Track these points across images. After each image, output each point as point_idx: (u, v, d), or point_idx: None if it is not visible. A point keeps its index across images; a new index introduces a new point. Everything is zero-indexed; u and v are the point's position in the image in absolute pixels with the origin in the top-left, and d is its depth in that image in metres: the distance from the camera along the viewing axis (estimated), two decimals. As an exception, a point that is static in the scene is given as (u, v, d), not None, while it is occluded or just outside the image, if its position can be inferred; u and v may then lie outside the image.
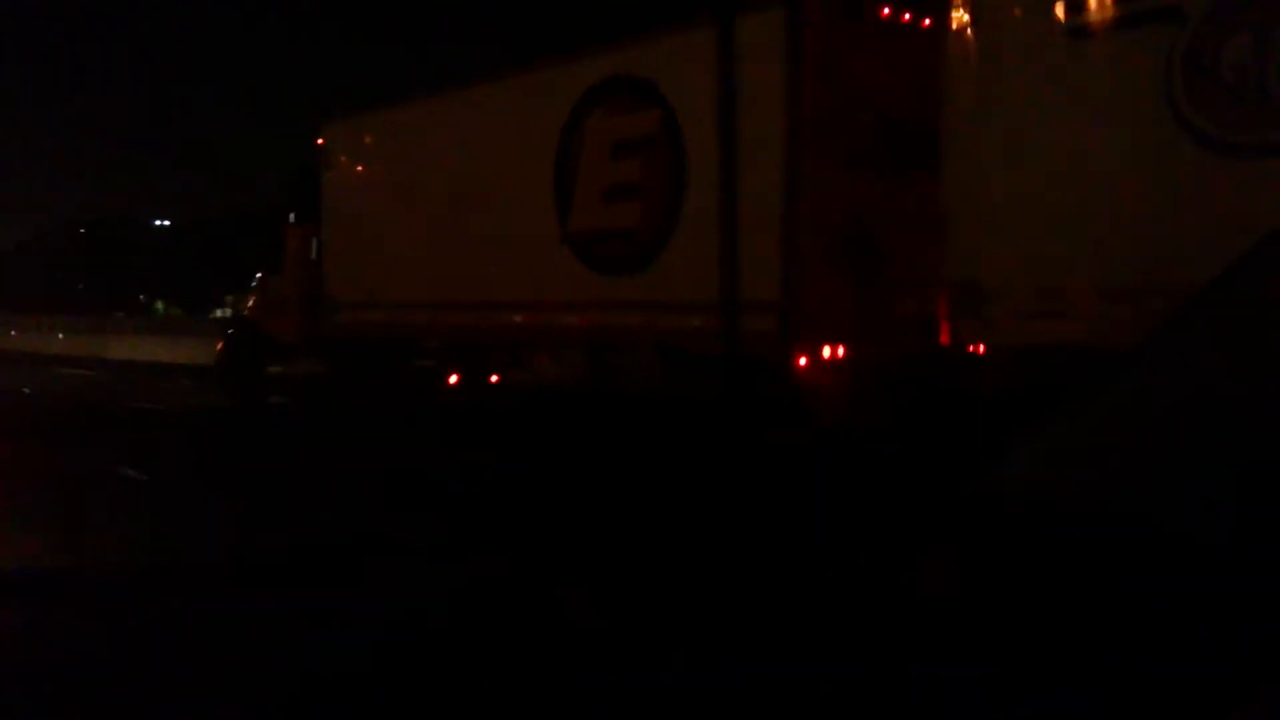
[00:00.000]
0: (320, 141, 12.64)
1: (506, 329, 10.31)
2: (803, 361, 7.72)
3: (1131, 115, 5.91)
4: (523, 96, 10.03)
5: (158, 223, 62.31)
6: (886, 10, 7.93)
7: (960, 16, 6.71)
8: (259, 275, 15.30)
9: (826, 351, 7.63)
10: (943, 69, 6.92)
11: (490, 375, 11.39)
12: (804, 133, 7.57)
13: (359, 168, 12.05)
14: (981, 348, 7.10)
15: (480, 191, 10.42)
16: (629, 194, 8.95)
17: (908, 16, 8.02)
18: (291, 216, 14.01)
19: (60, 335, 28.74)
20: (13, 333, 31.00)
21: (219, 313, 33.12)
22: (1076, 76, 6.07)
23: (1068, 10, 6.10)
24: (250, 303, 15.18)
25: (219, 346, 15.75)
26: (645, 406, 9.38)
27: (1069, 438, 1.78)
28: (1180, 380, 1.69)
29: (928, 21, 8.07)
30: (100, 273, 52.65)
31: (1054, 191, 6.23)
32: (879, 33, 7.93)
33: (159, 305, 54.64)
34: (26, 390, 18.44)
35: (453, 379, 11.66)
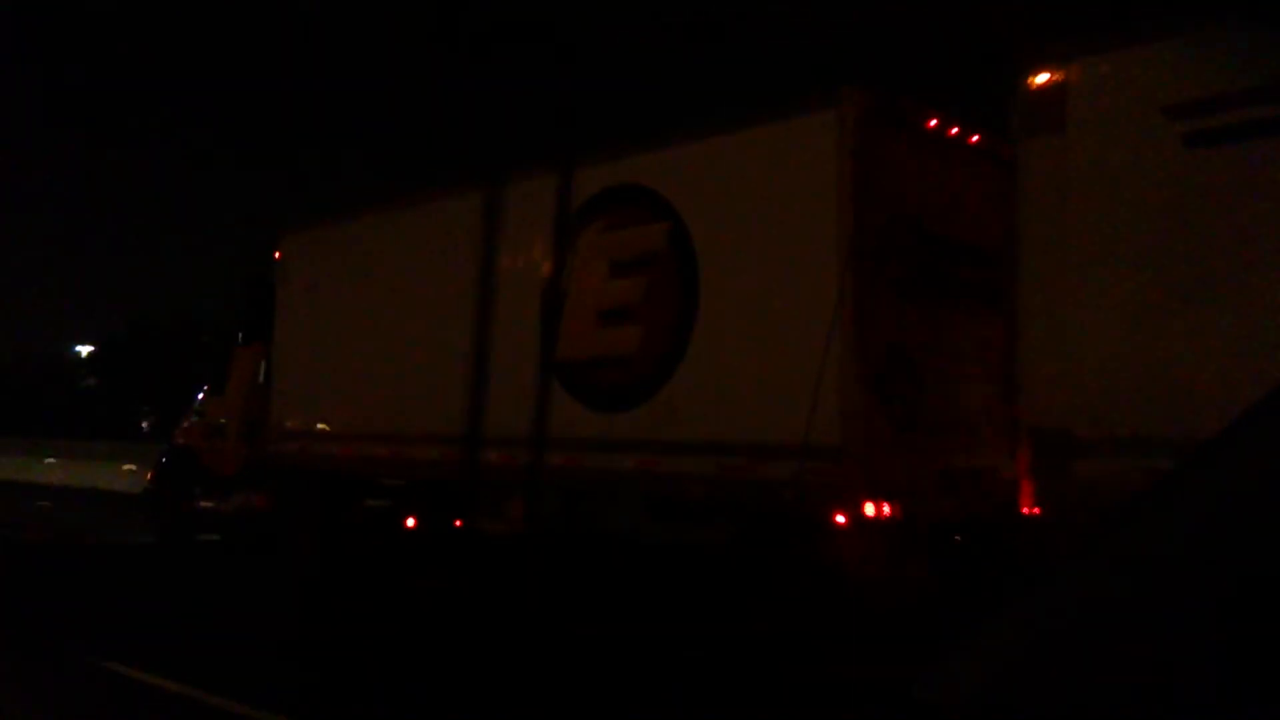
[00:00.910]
0: (278, 255, 11.48)
1: (476, 467, 8.98)
2: (841, 519, 6.49)
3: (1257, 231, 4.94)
4: (506, 209, 8.99)
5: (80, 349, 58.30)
6: (933, 122, 7.06)
7: (1045, 141, 5.75)
8: (199, 397, 13.91)
9: (870, 509, 6.42)
10: (1016, 193, 5.94)
11: (453, 519, 10.03)
12: (848, 250, 6.54)
13: (316, 283, 10.86)
14: (1038, 510, 5.95)
15: (454, 313, 9.26)
16: (628, 317, 7.84)
17: (955, 131, 7.16)
18: (240, 335, 12.78)
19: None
20: None
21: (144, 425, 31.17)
22: (1195, 192, 5.11)
23: (1184, 117, 5.16)
24: (187, 426, 13.72)
25: (149, 475, 14.20)
26: (634, 558, 8.07)
27: (996, 642, 1.58)
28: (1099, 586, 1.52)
29: (975, 138, 7.23)
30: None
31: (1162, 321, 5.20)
32: (925, 146, 7.05)
33: None
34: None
35: (410, 521, 10.26)
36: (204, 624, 8.21)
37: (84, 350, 56.39)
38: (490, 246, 8.97)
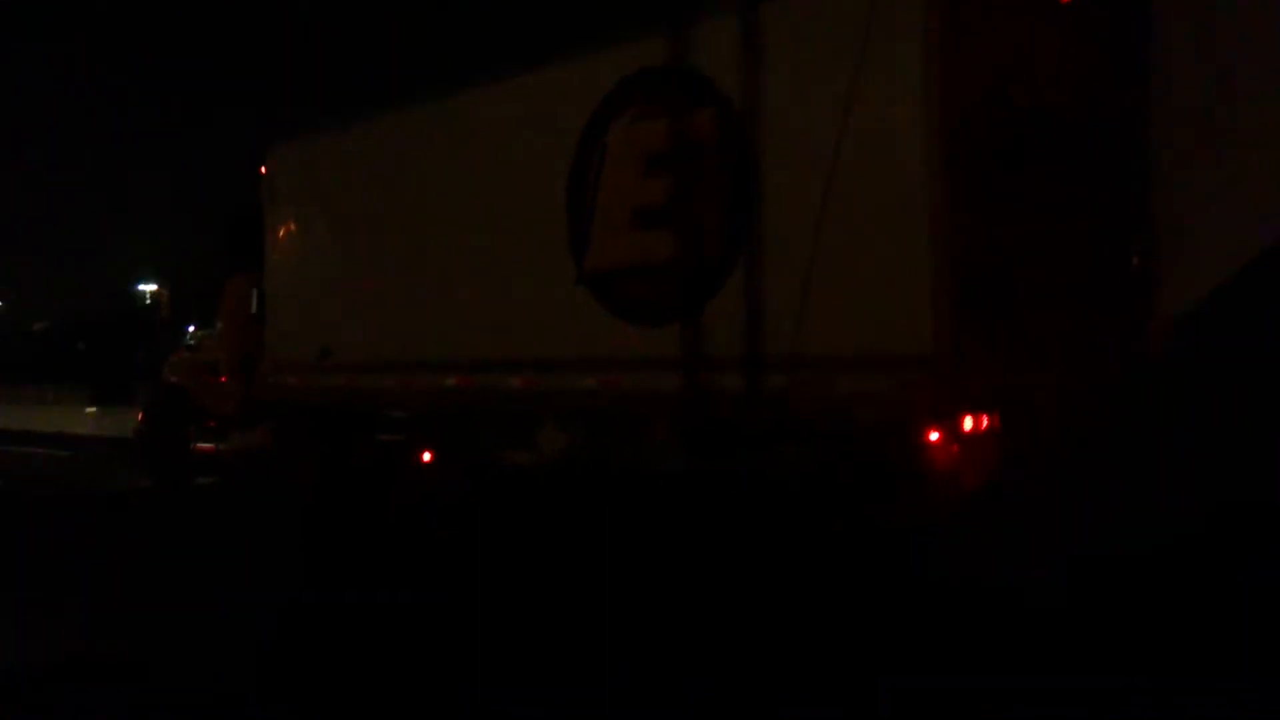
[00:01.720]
0: (264, 169, 10.44)
1: (499, 394, 8.10)
2: (934, 435, 5.64)
3: None
4: (523, 102, 7.96)
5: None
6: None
7: None
8: (189, 331, 12.99)
9: (969, 422, 5.57)
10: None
11: (471, 451, 9.18)
12: (938, 126, 5.58)
13: (313, 199, 9.85)
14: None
15: (467, 224, 8.29)
16: (668, 218, 6.89)
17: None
18: (227, 263, 11.80)
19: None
20: None
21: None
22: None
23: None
24: (177, 365, 12.80)
25: (139, 416, 13.34)
26: (683, 490, 7.23)
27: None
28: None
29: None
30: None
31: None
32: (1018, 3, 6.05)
33: None
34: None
35: (425, 456, 9.41)
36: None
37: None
38: (506, 146, 7.97)
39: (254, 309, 11.19)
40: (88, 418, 22.43)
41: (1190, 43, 5.47)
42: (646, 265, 7.02)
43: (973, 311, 5.60)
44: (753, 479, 6.71)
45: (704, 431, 7.18)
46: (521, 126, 7.89)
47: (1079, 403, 5.78)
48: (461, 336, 8.31)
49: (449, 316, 8.39)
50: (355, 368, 9.41)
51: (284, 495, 10.24)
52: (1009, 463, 5.61)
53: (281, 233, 10.22)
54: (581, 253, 7.45)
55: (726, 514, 6.90)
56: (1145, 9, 6.34)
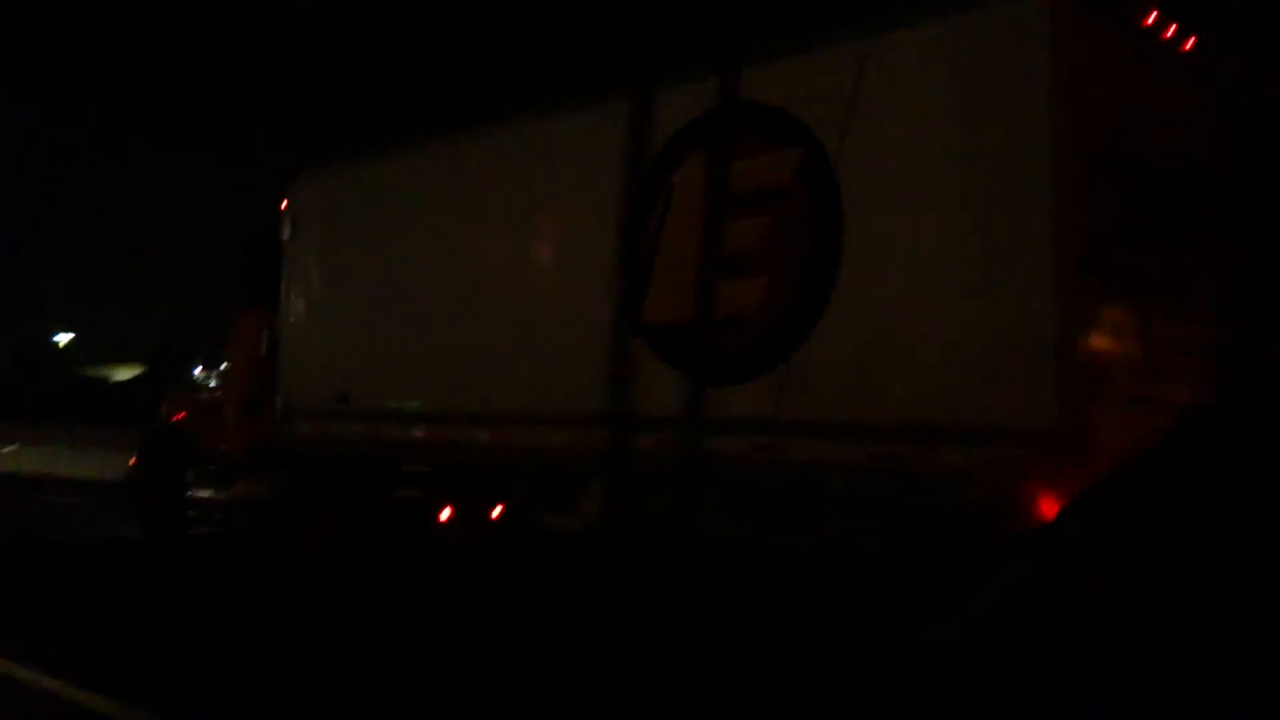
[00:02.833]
0: (285, 204, 9.86)
1: (538, 451, 7.46)
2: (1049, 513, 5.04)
3: None
4: (576, 139, 7.44)
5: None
6: (1150, 19, 5.57)
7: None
8: (193, 372, 12.31)
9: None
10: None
11: (496, 510, 8.53)
12: (1060, 175, 5.06)
13: (336, 235, 9.27)
14: None
15: (507, 267, 7.73)
16: (744, 268, 6.33)
17: (1171, 32, 5.68)
18: (239, 300, 11.18)
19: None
20: None
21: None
22: None
23: None
24: (177, 406, 12.10)
25: (132, 460, 12.58)
26: (746, 565, 6.58)
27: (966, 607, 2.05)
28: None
29: (1190, 43, 5.75)
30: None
31: None
32: (1139, 48, 5.57)
33: None
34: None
35: (444, 514, 8.74)
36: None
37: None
38: (555, 186, 7.43)
39: (264, 349, 10.58)
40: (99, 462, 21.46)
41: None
42: (716, 318, 6.44)
43: (1103, 375, 5.04)
44: (824, 555, 6.07)
45: (769, 502, 6.55)
46: (572, 165, 7.35)
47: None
48: (497, 387, 7.69)
49: (484, 366, 7.78)
50: (377, 416, 8.77)
51: (290, 550, 9.52)
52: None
53: (301, 269, 9.61)
54: (638, 303, 6.88)
55: (788, 592, 6.28)
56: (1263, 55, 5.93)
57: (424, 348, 8.26)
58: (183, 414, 11.82)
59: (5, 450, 22.50)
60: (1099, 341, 5.07)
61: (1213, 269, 5.67)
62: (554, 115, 7.66)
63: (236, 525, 10.98)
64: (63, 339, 45.22)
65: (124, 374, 36.72)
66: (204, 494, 11.37)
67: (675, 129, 6.74)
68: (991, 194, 5.30)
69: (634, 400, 6.86)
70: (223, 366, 11.26)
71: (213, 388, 11.41)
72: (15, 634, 6.71)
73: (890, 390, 5.65)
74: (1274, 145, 5.75)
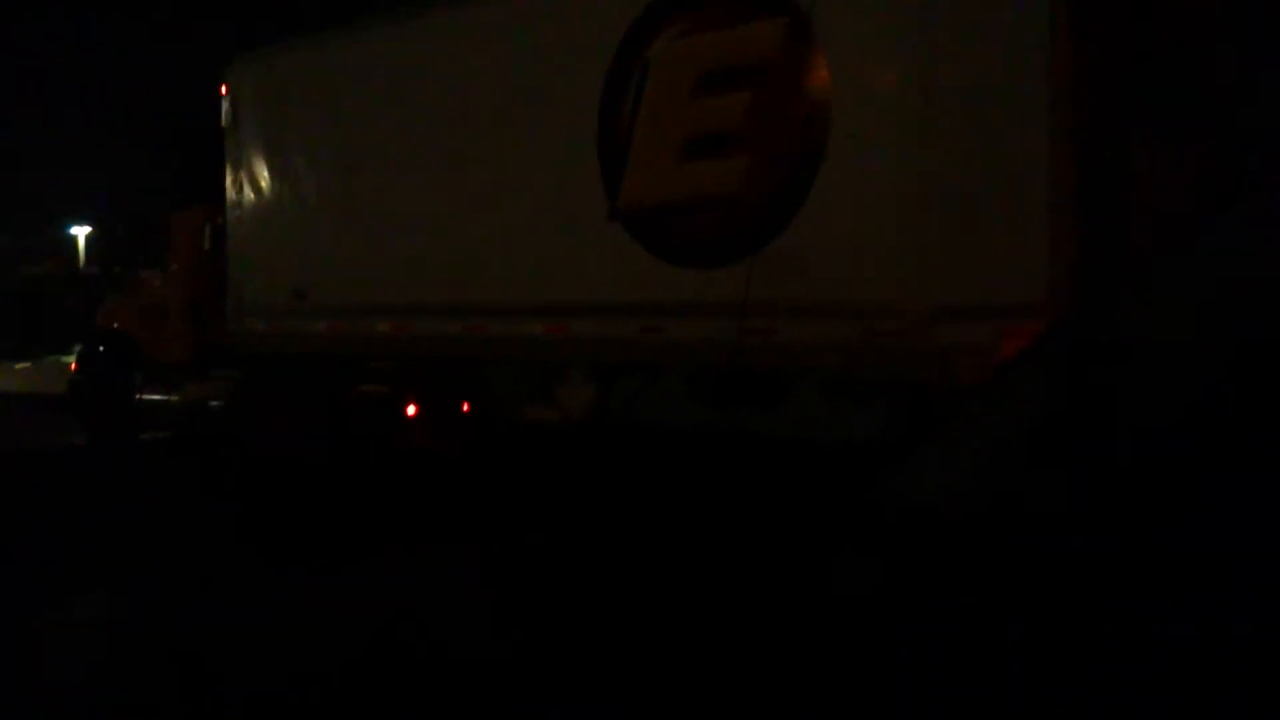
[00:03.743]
0: (224, 89, 9.30)
1: (515, 342, 7.30)
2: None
3: None
4: (547, 12, 7.07)
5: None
6: None
7: None
8: (128, 271, 11.77)
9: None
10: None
11: (464, 404, 8.39)
12: (1064, 33, 4.92)
13: (284, 121, 8.78)
14: None
15: (478, 150, 7.39)
16: (725, 146, 6.13)
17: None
18: (177, 194, 10.66)
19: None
20: None
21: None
22: None
23: None
24: (116, 309, 11.61)
25: (72, 366, 12.12)
26: (734, 452, 6.58)
27: (940, 451, 2.19)
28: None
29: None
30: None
31: None
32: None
33: None
34: None
35: (411, 409, 8.58)
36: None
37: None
38: (527, 62, 7.08)
39: (207, 245, 10.14)
40: (17, 374, 20.62)
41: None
42: (697, 200, 6.26)
43: (1097, 250, 5.01)
44: (815, 440, 6.07)
45: (752, 388, 6.51)
46: (542, 42, 6.99)
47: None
48: (470, 277, 7.46)
49: (455, 254, 7.51)
50: (337, 312, 8.48)
51: (248, 452, 9.29)
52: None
53: (246, 159, 9.12)
54: (616, 186, 6.65)
55: (780, 479, 6.29)
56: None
57: (388, 238, 7.94)
58: (123, 316, 11.36)
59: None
60: (1089, 215, 5.01)
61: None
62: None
63: (188, 429, 10.68)
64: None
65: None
66: (152, 398, 11.04)
67: (649, 1, 6.42)
68: (982, 57, 5.16)
69: (613, 287, 6.69)
70: (164, 267, 10.79)
71: (153, 289, 10.94)
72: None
73: (882, 269, 5.58)
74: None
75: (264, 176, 8.93)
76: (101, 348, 11.51)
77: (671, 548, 6.06)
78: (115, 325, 11.34)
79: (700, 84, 6.20)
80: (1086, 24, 4.95)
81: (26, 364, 22.14)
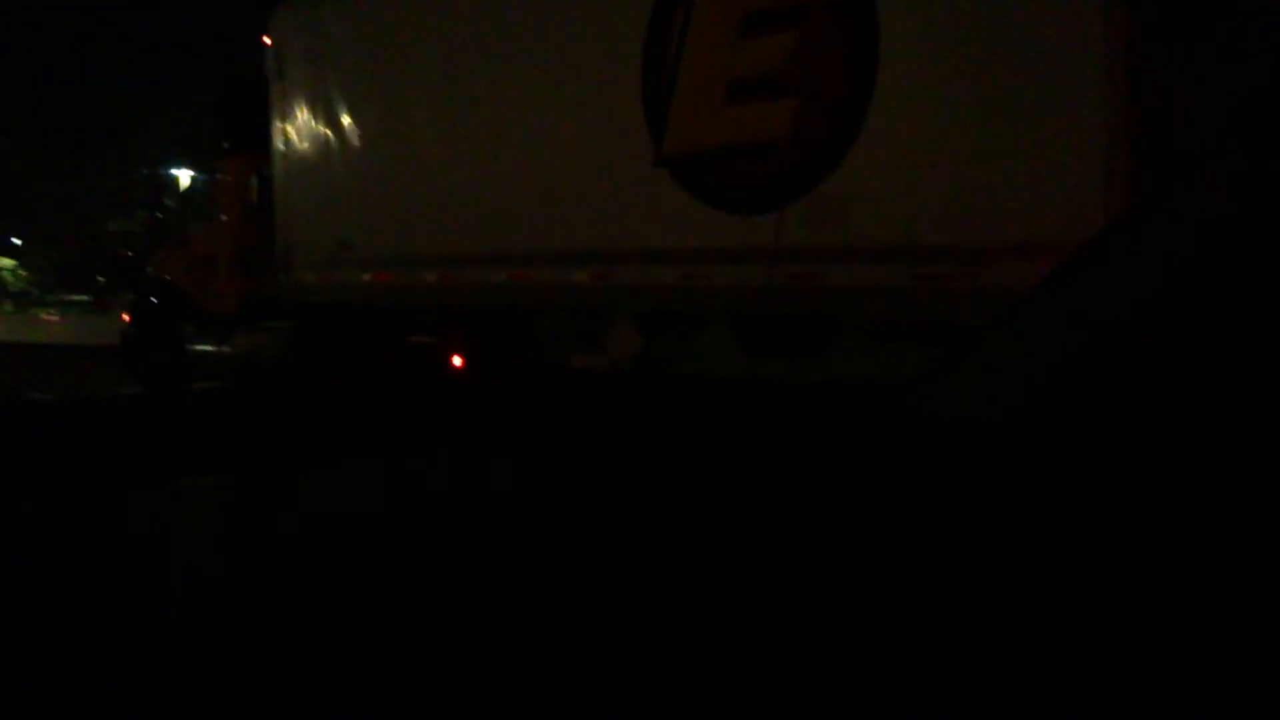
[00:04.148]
0: (268, 40, 9.34)
1: (559, 290, 7.32)
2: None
3: None
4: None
5: None
6: None
7: None
8: (177, 223, 11.95)
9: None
10: None
11: (513, 354, 8.45)
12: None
13: (330, 67, 8.80)
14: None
15: (522, 96, 7.37)
16: (771, 90, 6.05)
17: None
18: (223, 145, 10.75)
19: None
20: None
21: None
22: None
23: None
24: (166, 260, 11.80)
25: (125, 317, 12.36)
26: (779, 398, 6.58)
27: (987, 359, 1.77)
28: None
29: None
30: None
31: None
32: None
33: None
34: None
35: (457, 359, 8.66)
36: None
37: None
38: (568, 7, 7.03)
39: (254, 198, 10.23)
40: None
41: None
42: (743, 143, 6.19)
43: (1141, 191, 4.91)
44: (871, 385, 6.05)
45: (803, 332, 6.50)
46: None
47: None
48: (513, 225, 7.47)
49: (499, 202, 7.53)
50: (383, 262, 8.56)
51: (301, 401, 9.45)
52: None
53: (291, 110, 9.18)
54: (660, 130, 6.61)
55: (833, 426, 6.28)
56: None
57: (433, 188, 7.97)
58: (172, 268, 11.55)
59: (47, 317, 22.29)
60: (1148, 149, 4.91)
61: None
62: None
63: (239, 378, 10.87)
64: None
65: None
66: (203, 348, 11.23)
67: (693, -59, 6.32)
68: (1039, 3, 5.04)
69: (658, 233, 6.68)
70: (211, 218, 10.93)
71: (201, 241, 11.09)
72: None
73: (932, 212, 5.50)
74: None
75: (309, 127, 8.98)
76: (152, 299, 11.71)
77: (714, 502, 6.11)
78: (165, 276, 11.53)
79: (745, 25, 6.11)
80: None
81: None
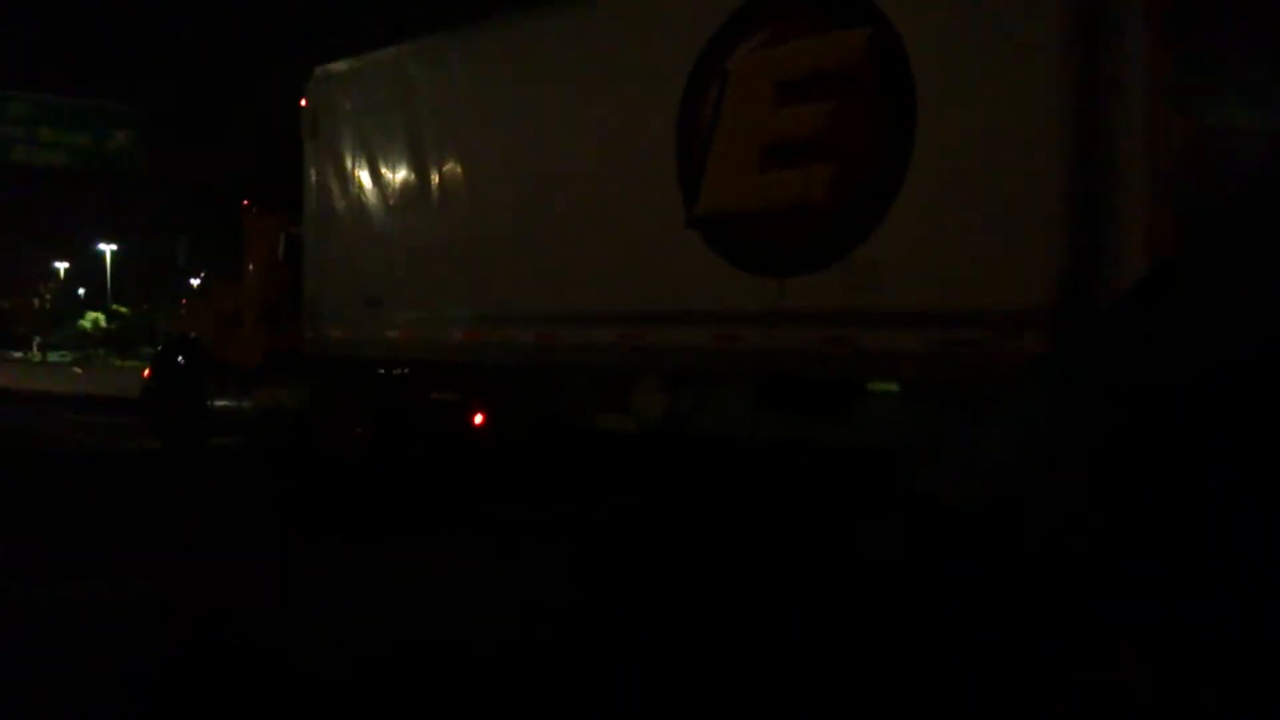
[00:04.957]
0: (305, 102, 9.51)
1: (587, 350, 7.33)
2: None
3: None
4: (622, 22, 7.15)
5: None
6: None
7: None
8: (201, 278, 12.06)
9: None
10: None
11: (537, 414, 8.43)
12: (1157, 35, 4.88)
13: (361, 133, 8.94)
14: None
15: (551, 160, 7.48)
16: (807, 154, 6.12)
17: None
18: (251, 204, 10.88)
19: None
20: None
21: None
22: None
23: None
24: (190, 314, 11.88)
25: (146, 373, 12.38)
26: (809, 464, 6.54)
27: (973, 448, 1.99)
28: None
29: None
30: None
31: None
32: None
33: (90, 319, 48.29)
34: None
35: (479, 417, 8.65)
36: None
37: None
38: (604, 71, 7.16)
39: (282, 253, 10.31)
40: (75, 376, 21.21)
41: None
42: (778, 208, 6.26)
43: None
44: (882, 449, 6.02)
45: (826, 396, 6.48)
46: (618, 52, 7.08)
47: None
48: (542, 285, 7.52)
49: (527, 262, 7.59)
50: (411, 319, 8.60)
51: (321, 458, 9.43)
52: None
53: (324, 169, 9.30)
54: (694, 193, 6.68)
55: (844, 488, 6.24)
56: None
57: (463, 247, 8.05)
58: (197, 321, 11.62)
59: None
60: (1177, 225, 4.94)
61: None
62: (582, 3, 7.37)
63: (259, 434, 10.86)
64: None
65: None
66: (224, 403, 11.25)
67: (732, 10, 6.46)
68: (1081, 71, 5.11)
69: (689, 295, 6.71)
70: (238, 274, 11.01)
71: (226, 294, 11.17)
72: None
73: (965, 277, 5.53)
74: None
75: (341, 186, 9.10)
76: (174, 353, 11.75)
77: (733, 553, 6.05)
78: (189, 331, 11.59)
79: (782, 93, 6.21)
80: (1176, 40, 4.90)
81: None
